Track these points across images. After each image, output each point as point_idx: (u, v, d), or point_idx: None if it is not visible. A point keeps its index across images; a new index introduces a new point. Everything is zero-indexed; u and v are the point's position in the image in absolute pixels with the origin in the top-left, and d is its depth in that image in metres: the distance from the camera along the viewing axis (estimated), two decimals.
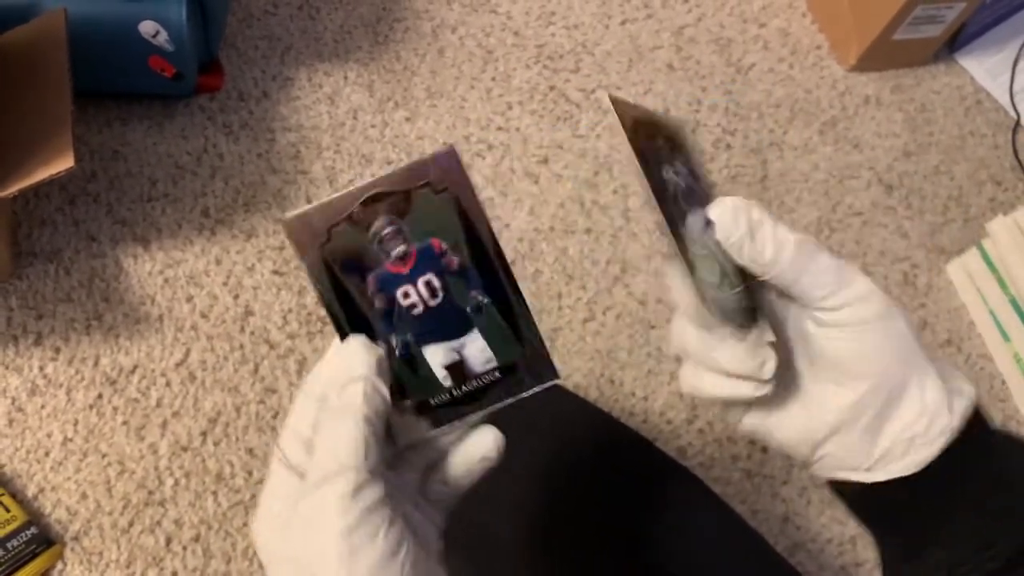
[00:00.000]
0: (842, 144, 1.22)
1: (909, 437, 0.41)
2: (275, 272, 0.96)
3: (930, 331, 1.13)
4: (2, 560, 0.76)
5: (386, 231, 0.40)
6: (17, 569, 0.77)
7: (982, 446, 0.43)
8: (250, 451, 0.88)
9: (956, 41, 1.29)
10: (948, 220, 1.19)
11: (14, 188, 0.77)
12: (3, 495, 0.79)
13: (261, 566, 0.83)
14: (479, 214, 0.41)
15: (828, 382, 0.43)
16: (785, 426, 0.44)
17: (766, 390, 0.42)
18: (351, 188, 0.40)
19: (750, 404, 0.45)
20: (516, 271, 1.01)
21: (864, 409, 0.41)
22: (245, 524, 0.85)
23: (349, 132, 1.05)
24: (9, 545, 0.77)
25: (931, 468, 0.41)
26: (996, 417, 1.01)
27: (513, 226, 1.04)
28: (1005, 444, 0.44)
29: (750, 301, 0.43)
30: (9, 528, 0.78)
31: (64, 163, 0.78)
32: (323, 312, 0.95)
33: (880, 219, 1.18)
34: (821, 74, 1.26)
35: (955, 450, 0.41)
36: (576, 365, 1.00)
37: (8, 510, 0.79)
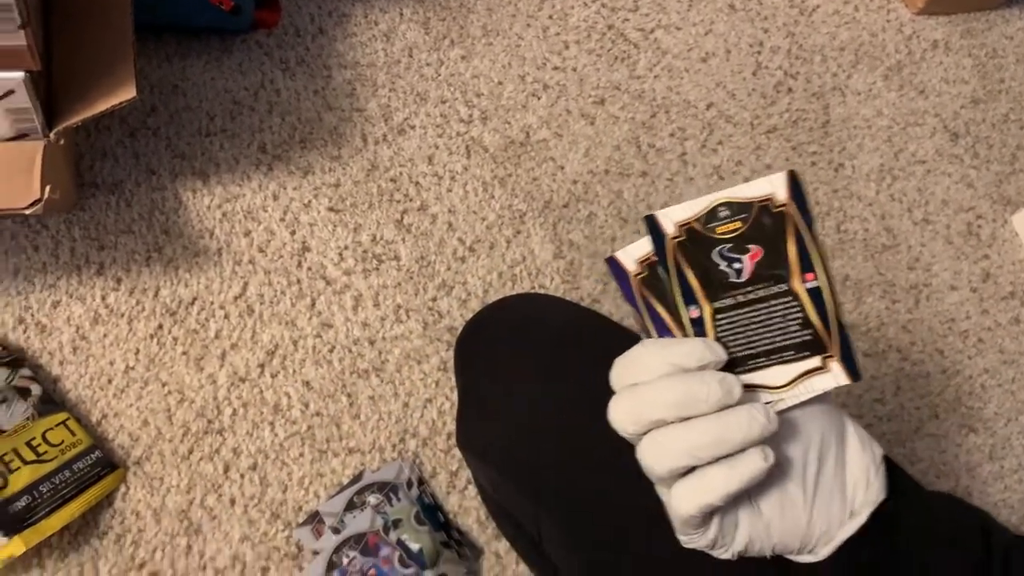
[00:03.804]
0: (907, 90, 1.18)
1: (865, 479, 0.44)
2: (331, 209, 0.96)
3: (992, 283, 1.10)
4: (68, 481, 0.78)
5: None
6: (83, 490, 0.79)
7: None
8: (307, 384, 0.89)
9: None
10: (1016, 170, 1.16)
11: (79, 118, 0.78)
12: (68, 419, 0.81)
13: (316, 495, 0.84)
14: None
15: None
16: (775, 526, 0.44)
17: (771, 460, 0.41)
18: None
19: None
20: (569, 213, 1.00)
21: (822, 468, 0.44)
22: (301, 455, 0.86)
23: (404, 70, 1.05)
24: (75, 467, 0.79)
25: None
26: None
27: (567, 168, 1.03)
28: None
29: None
30: (75, 451, 0.80)
31: (127, 93, 0.78)
32: (378, 250, 0.95)
33: (944, 168, 1.15)
34: (887, 17, 1.22)
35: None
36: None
37: (74, 433, 0.80)
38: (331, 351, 0.91)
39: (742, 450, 0.40)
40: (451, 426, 0.90)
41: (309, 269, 0.93)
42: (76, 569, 0.79)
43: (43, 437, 0.79)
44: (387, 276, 0.95)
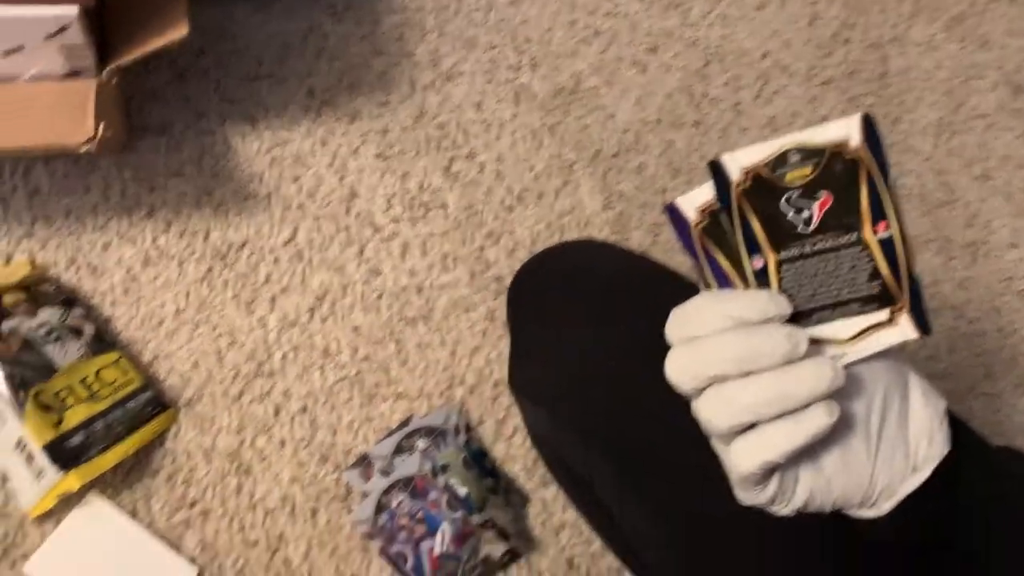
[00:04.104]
0: (968, 42, 1.14)
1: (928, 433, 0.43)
2: (379, 156, 0.95)
3: None
4: (121, 420, 0.79)
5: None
6: (135, 429, 0.80)
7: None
8: (355, 329, 0.88)
9: None
10: None
11: (131, 56, 0.77)
12: (120, 359, 0.81)
13: (365, 439, 0.85)
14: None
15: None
16: (837, 481, 0.43)
17: (836, 416, 0.39)
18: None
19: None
20: (619, 163, 0.99)
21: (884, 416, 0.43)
22: (350, 399, 0.86)
23: (453, 15, 1.03)
24: (128, 406, 0.80)
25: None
26: None
27: (618, 117, 1.01)
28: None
29: None
30: (127, 390, 0.80)
31: (179, 31, 0.77)
32: (425, 198, 0.94)
33: (1006, 122, 1.11)
34: None
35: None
36: (679, 261, 0.98)
37: (126, 373, 0.81)
38: (379, 298, 0.90)
39: (806, 406, 0.39)
40: (498, 375, 0.90)
41: (357, 216, 0.93)
42: (129, 506, 0.80)
43: (96, 376, 0.79)
44: (434, 224, 0.94)
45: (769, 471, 0.41)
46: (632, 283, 0.66)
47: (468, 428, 0.87)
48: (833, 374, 0.39)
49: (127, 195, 0.88)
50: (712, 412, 0.39)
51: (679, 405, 0.42)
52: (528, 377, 0.69)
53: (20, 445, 0.75)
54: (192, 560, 0.79)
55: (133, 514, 0.80)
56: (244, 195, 0.91)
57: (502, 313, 0.91)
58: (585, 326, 0.64)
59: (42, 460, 0.74)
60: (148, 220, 0.88)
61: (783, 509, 0.43)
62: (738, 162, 0.41)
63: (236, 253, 0.89)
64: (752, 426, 0.40)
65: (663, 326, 0.41)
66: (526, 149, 0.99)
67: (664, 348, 0.41)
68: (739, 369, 0.38)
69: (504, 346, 0.90)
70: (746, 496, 0.43)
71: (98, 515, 0.79)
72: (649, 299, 0.62)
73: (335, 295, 0.89)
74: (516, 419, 0.88)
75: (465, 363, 0.90)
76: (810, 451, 0.42)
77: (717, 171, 0.41)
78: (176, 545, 0.79)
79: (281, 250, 0.90)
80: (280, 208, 0.91)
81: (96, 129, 0.74)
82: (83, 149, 0.74)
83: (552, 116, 1.00)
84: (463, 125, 0.98)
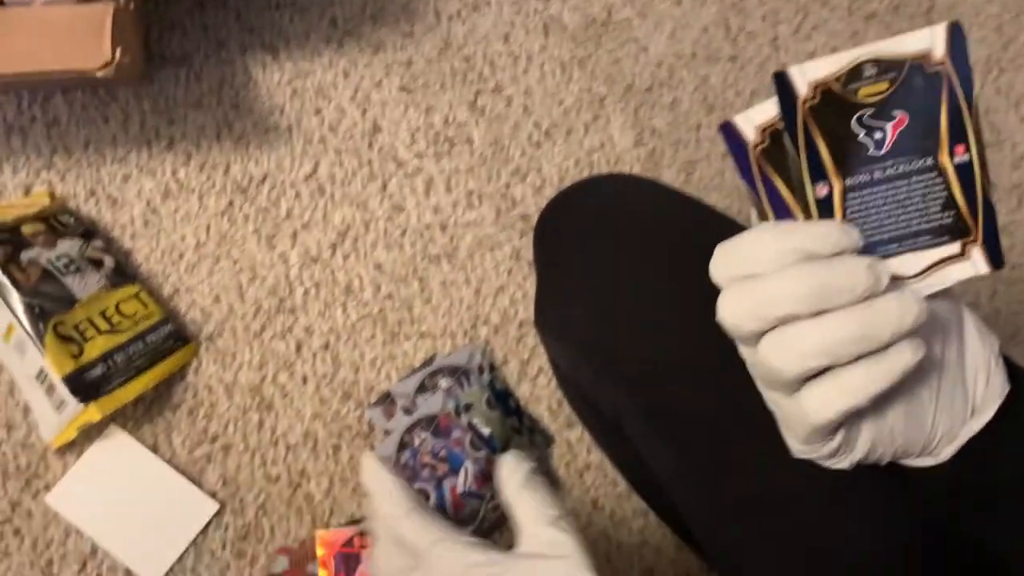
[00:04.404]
0: None
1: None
2: (402, 89, 0.93)
3: None
4: (141, 353, 0.78)
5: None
6: (156, 363, 0.79)
7: None
8: (378, 266, 0.87)
9: None
10: None
11: None
12: (141, 292, 0.80)
13: (388, 377, 0.83)
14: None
15: None
16: (899, 429, 0.40)
17: (922, 353, 0.37)
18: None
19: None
20: (652, 98, 0.95)
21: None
22: (373, 336, 0.85)
23: None
24: (148, 339, 0.79)
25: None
26: None
27: (651, 50, 0.98)
28: None
29: None
30: (147, 323, 0.79)
31: None
32: (450, 133, 0.92)
33: None
34: None
35: None
36: (713, 200, 0.95)
37: (146, 306, 0.80)
38: (402, 234, 0.88)
39: (887, 346, 0.35)
40: (523, 315, 0.88)
41: (380, 150, 0.90)
42: (150, 440, 0.79)
43: (116, 308, 0.78)
44: (459, 160, 0.92)
45: (840, 421, 0.38)
46: (667, 219, 0.63)
47: (492, 368, 0.85)
48: (919, 308, 0.35)
49: (146, 127, 0.86)
50: (779, 357, 0.36)
51: (712, 345, 0.39)
52: (555, 315, 0.67)
53: (41, 376, 0.74)
54: (213, 494, 0.79)
55: (154, 448, 0.79)
56: (265, 128, 0.89)
57: (528, 252, 0.89)
58: (616, 263, 0.61)
59: (63, 391, 0.73)
60: (168, 152, 0.86)
61: (841, 462, 0.40)
62: (806, 75, 0.37)
63: (257, 187, 0.87)
64: (823, 372, 0.36)
65: (701, 263, 0.38)
66: (555, 83, 0.95)
67: (702, 287, 0.38)
68: (813, 307, 0.35)
69: (530, 286, 0.88)
70: (807, 449, 0.40)
71: (120, 448, 0.78)
72: (685, 235, 0.59)
73: (357, 231, 0.87)
74: (541, 359, 0.87)
75: (490, 302, 0.88)
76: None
77: (782, 84, 0.38)
78: (197, 479, 0.79)
79: (302, 184, 0.88)
80: (301, 141, 0.89)
81: (113, 53, 0.72)
82: (100, 74, 0.72)
83: (582, 48, 0.97)
84: (490, 57, 0.95)
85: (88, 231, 0.81)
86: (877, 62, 0.37)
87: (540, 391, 0.86)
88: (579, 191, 0.69)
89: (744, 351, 0.38)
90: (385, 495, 0.47)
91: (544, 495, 0.46)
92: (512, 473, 0.47)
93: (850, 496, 0.48)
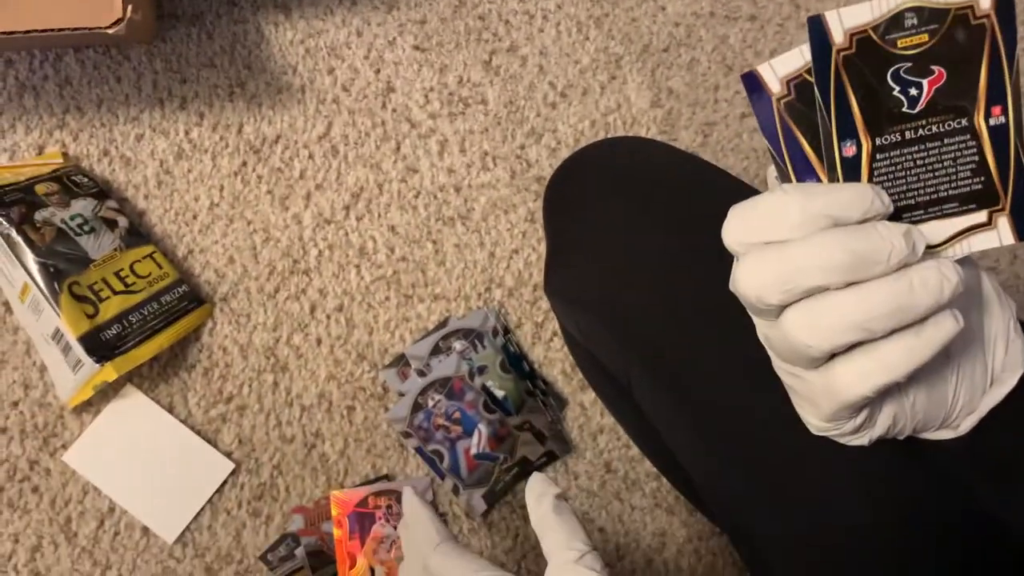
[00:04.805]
0: None
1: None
2: (416, 48, 0.91)
3: None
4: (156, 313, 0.78)
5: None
6: (171, 323, 0.79)
7: None
8: (392, 228, 0.86)
9: None
10: None
11: None
12: (155, 252, 0.80)
13: (402, 339, 0.83)
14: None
15: None
16: (920, 403, 0.39)
17: (962, 323, 0.35)
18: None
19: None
20: (670, 58, 0.94)
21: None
22: (387, 298, 0.84)
23: None
24: (163, 300, 0.79)
25: None
26: None
27: (669, 9, 0.96)
28: None
29: None
30: (162, 284, 0.79)
31: None
32: (465, 93, 0.90)
33: None
34: None
35: None
36: (730, 163, 0.94)
37: (160, 267, 0.80)
38: (416, 196, 0.88)
39: (923, 319, 0.33)
40: (537, 278, 0.87)
41: (394, 111, 0.89)
42: (166, 400, 0.80)
43: (131, 269, 0.78)
44: (474, 121, 0.91)
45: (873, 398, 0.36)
46: (679, 182, 0.62)
47: (506, 330, 0.85)
48: (958, 278, 0.33)
49: (159, 86, 0.86)
50: (809, 332, 0.34)
51: (724, 306, 0.38)
52: (564, 277, 0.66)
53: (57, 336, 0.74)
54: (229, 454, 0.79)
55: (170, 408, 0.79)
56: (278, 87, 0.88)
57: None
58: (626, 226, 0.60)
59: (78, 351, 0.73)
60: (180, 112, 0.86)
61: (860, 439, 0.39)
62: (844, 21, 0.35)
63: (270, 147, 0.86)
64: (854, 346, 0.34)
65: (713, 227, 0.36)
66: (571, 42, 0.94)
67: (714, 251, 0.36)
68: (847, 278, 0.33)
69: (544, 249, 0.88)
70: (828, 427, 0.38)
71: (136, 408, 0.79)
72: (698, 199, 0.58)
73: (371, 193, 0.87)
74: (555, 323, 0.86)
75: (504, 265, 0.88)
76: None
77: (817, 30, 0.35)
78: (212, 440, 0.79)
79: (315, 145, 0.87)
80: (315, 101, 0.88)
81: (124, 11, 0.71)
82: (111, 31, 0.71)
83: (599, 7, 0.95)
84: (504, 16, 0.94)
85: (102, 191, 0.81)
86: (919, 10, 0.35)
87: (554, 354, 0.86)
88: (589, 153, 0.68)
89: (760, 323, 0.36)
90: (419, 526, 0.51)
91: (572, 526, 0.47)
92: (540, 499, 0.48)
93: (864, 467, 0.48)
